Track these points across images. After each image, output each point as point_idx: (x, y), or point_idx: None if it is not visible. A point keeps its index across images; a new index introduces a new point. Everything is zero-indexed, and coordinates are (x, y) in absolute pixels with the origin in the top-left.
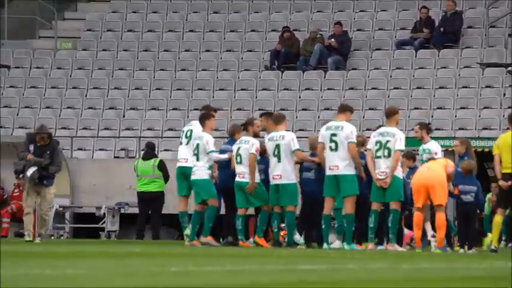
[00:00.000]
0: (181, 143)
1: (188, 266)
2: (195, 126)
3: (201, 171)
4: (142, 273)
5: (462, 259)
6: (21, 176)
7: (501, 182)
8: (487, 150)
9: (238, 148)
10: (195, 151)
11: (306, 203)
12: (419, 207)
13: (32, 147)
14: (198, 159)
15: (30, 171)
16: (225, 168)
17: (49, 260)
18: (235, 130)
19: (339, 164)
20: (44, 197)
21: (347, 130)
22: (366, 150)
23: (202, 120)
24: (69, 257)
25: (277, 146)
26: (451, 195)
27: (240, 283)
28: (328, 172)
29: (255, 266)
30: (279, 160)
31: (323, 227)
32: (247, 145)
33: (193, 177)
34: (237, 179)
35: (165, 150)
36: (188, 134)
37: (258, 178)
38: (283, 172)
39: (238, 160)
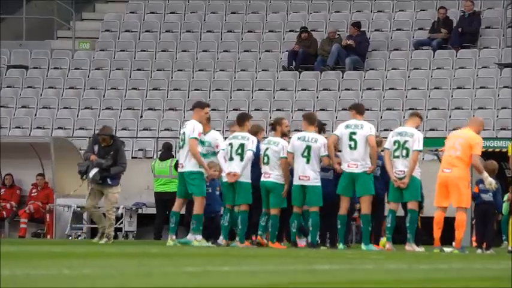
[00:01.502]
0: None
1: (205, 266)
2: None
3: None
4: (159, 273)
5: (480, 260)
6: (84, 177)
7: None
8: (504, 150)
9: (267, 149)
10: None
11: (323, 204)
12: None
13: (96, 148)
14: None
15: (92, 173)
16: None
17: (66, 260)
18: (256, 130)
19: (357, 163)
20: (107, 196)
21: (366, 128)
22: (382, 151)
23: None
24: (87, 257)
25: (308, 147)
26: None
27: (258, 283)
28: (346, 169)
29: (272, 267)
30: (308, 161)
31: (339, 227)
32: (277, 147)
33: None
34: (262, 179)
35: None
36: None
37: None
38: (312, 174)
39: (265, 161)
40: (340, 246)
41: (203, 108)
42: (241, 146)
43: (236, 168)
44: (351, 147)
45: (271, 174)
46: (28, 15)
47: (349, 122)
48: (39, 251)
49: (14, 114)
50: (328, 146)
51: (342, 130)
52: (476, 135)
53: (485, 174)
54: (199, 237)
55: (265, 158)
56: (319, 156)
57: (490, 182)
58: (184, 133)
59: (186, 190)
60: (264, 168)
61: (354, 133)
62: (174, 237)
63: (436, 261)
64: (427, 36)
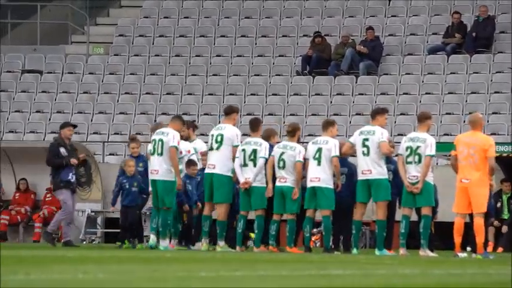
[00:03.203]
0: (211, 149)
1: (219, 271)
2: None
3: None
4: (172, 278)
5: (494, 265)
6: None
7: None
8: None
9: (282, 153)
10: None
11: (335, 208)
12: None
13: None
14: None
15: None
16: None
17: (81, 265)
18: (270, 134)
19: (371, 168)
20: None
21: (378, 133)
22: (395, 156)
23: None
24: (101, 262)
25: (319, 150)
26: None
27: None
28: (360, 177)
29: (286, 272)
30: (319, 164)
31: (353, 232)
32: (293, 152)
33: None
34: (278, 183)
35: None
36: (219, 139)
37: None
38: (323, 175)
39: (281, 165)
40: (354, 251)
41: (236, 113)
42: (254, 151)
43: (250, 174)
44: (364, 154)
45: (288, 179)
46: (42, 20)
47: (363, 128)
48: (54, 255)
49: (28, 119)
50: (342, 153)
51: (356, 136)
52: (486, 137)
53: (493, 177)
54: (222, 243)
55: (281, 162)
56: (330, 157)
57: (493, 185)
58: (221, 135)
59: (212, 194)
60: (280, 173)
61: (367, 139)
62: (207, 241)
63: (450, 266)
64: (441, 41)
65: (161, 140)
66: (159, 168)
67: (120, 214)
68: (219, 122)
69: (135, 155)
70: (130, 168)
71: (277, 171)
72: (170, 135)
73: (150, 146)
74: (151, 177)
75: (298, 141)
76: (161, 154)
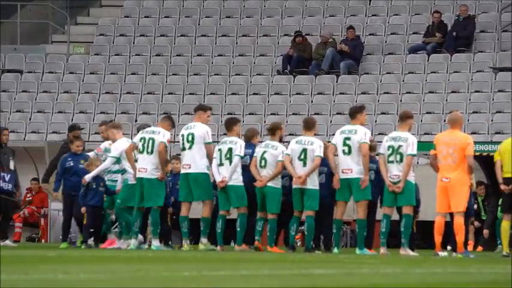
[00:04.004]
0: (184, 149)
1: (202, 271)
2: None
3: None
4: (155, 278)
5: (475, 264)
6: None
7: (503, 187)
8: None
9: (264, 152)
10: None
11: None
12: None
13: None
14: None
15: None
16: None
17: (62, 264)
18: (252, 134)
19: (352, 167)
20: None
21: (360, 133)
22: (377, 155)
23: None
24: (82, 261)
25: (304, 150)
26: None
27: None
28: (341, 175)
29: (268, 271)
30: (305, 165)
31: (334, 231)
32: (275, 151)
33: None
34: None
35: (178, 154)
36: (190, 139)
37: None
38: (309, 177)
39: (263, 164)
40: (335, 250)
41: (205, 111)
42: (230, 150)
43: (226, 173)
44: (344, 153)
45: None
46: (23, 20)
47: (344, 128)
48: (34, 255)
49: (8, 119)
50: (328, 158)
51: (337, 136)
52: (465, 135)
53: (472, 175)
54: (205, 240)
55: (263, 161)
56: (314, 157)
57: (473, 184)
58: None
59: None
60: (262, 172)
61: (348, 138)
62: (188, 241)
63: (431, 265)
64: (422, 40)
65: (152, 139)
66: (147, 167)
67: (87, 215)
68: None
69: (78, 152)
70: (93, 167)
71: (259, 170)
72: (161, 134)
73: (139, 145)
74: (138, 175)
75: (281, 140)
76: (151, 153)
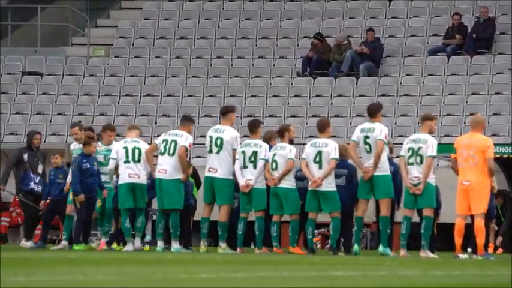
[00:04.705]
0: (211, 151)
1: (219, 273)
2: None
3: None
4: (173, 279)
5: (494, 266)
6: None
7: None
8: None
9: (274, 154)
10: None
11: None
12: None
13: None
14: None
15: None
16: None
17: (81, 266)
18: (270, 136)
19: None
20: None
21: (377, 130)
22: (397, 157)
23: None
24: (101, 263)
25: (319, 153)
26: None
27: None
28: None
29: (286, 273)
30: (320, 167)
31: (355, 228)
32: (284, 151)
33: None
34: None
35: (197, 157)
36: (218, 143)
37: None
38: (326, 179)
39: (274, 166)
40: (355, 247)
41: (234, 112)
42: (254, 153)
43: (250, 176)
44: (366, 151)
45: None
46: (43, 22)
47: (363, 126)
48: (54, 257)
49: (28, 121)
50: (351, 157)
51: (357, 134)
52: (485, 138)
53: (493, 178)
54: (224, 244)
55: (274, 163)
56: (329, 159)
57: (494, 186)
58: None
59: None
60: (273, 174)
61: (368, 137)
62: (206, 243)
63: (451, 267)
64: (442, 42)
65: (174, 141)
66: (167, 168)
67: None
68: (219, 123)
69: (93, 154)
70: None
71: (271, 173)
72: (184, 137)
73: (160, 147)
74: (157, 176)
75: (291, 142)
76: (173, 154)
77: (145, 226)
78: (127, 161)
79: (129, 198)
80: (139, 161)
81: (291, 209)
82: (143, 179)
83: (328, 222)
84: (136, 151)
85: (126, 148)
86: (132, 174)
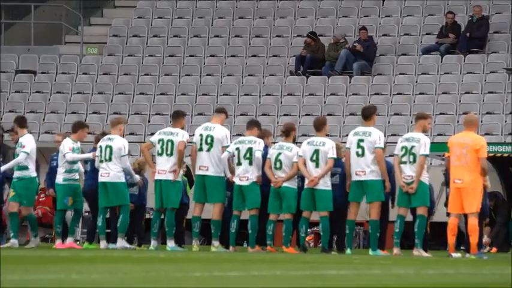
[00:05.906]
0: (201, 149)
1: (213, 272)
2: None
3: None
4: (167, 278)
5: (488, 265)
6: None
7: None
8: None
9: (279, 154)
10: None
11: None
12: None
13: None
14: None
15: None
16: None
17: (75, 264)
18: (264, 134)
19: (365, 169)
20: None
21: (374, 136)
22: (391, 156)
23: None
24: (95, 262)
25: (316, 151)
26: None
27: None
28: (354, 177)
29: (280, 272)
30: (317, 166)
31: (347, 232)
32: (290, 153)
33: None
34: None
35: (190, 155)
36: (209, 141)
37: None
38: (322, 178)
39: (278, 166)
40: (348, 251)
41: (226, 114)
42: (249, 150)
43: (245, 173)
44: (358, 154)
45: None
46: (36, 21)
47: (357, 129)
48: (47, 255)
49: None
50: (346, 164)
51: (351, 138)
52: (478, 137)
53: (487, 177)
54: (217, 242)
55: (278, 163)
56: (327, 158)
57: (487, 185)
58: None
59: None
60: (276, 174)
61: (362, 140)
62: (198, 242)
63: (444, 266)
64: (435, 41)
65: (170, 141)
66: (166, 168)
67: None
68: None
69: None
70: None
71: (274, 172)
72: (180, 135)
73: (157, 147)
74: (157, 177)
75: (294, 142)
76: (170, 155)
77: (127, 224)
78: (101, 160)
79: (104, 197)
80: (110, 159)
81: (288, 208)
82: (113, 177)
83: None
84: (108, 149)
85: (100, 147)
86: (103, 173)
